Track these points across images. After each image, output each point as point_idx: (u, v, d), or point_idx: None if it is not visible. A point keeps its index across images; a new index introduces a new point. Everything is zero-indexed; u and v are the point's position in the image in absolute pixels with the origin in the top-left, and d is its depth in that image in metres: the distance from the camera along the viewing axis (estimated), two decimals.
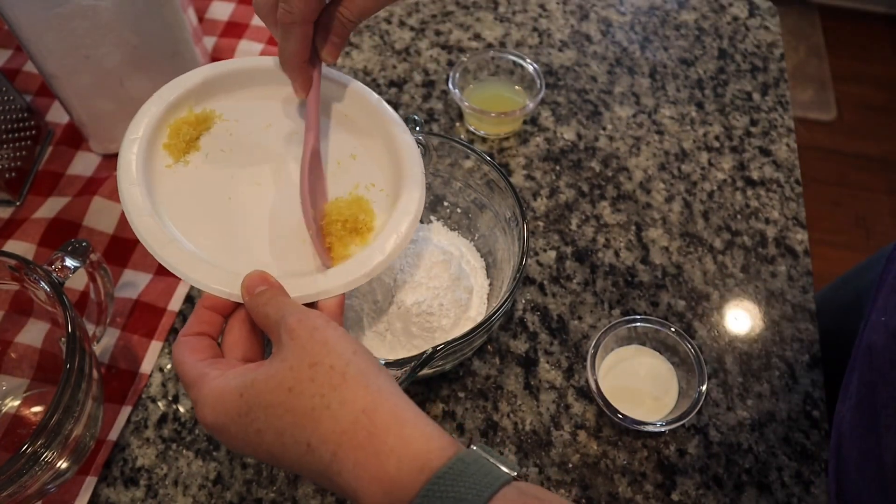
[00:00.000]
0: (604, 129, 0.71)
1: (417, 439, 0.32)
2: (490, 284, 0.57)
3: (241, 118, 0.48)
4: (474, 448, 0.33)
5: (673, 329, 0.54)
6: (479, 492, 0.30)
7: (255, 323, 0.40)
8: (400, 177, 0.47)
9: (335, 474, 0.33)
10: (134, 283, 0.60)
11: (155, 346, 0.57)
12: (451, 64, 0.76)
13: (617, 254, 0.63)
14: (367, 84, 0.74)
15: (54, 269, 0.48)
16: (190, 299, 0.59)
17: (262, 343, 0.41)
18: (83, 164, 0.67)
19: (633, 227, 0.65)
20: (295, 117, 0.49)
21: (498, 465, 0.32)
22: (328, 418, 0.33)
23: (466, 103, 0.66)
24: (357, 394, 0.33)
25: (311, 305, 0.41)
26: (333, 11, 0.42)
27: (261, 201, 0.46)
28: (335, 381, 0.33)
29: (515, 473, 0.32)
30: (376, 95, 0.50)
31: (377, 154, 0.49)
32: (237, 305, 0.41)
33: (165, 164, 0.45)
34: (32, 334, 0.54)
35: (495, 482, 0.31)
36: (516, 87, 0.70)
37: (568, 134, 0.70)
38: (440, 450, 0.32)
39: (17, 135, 0.65)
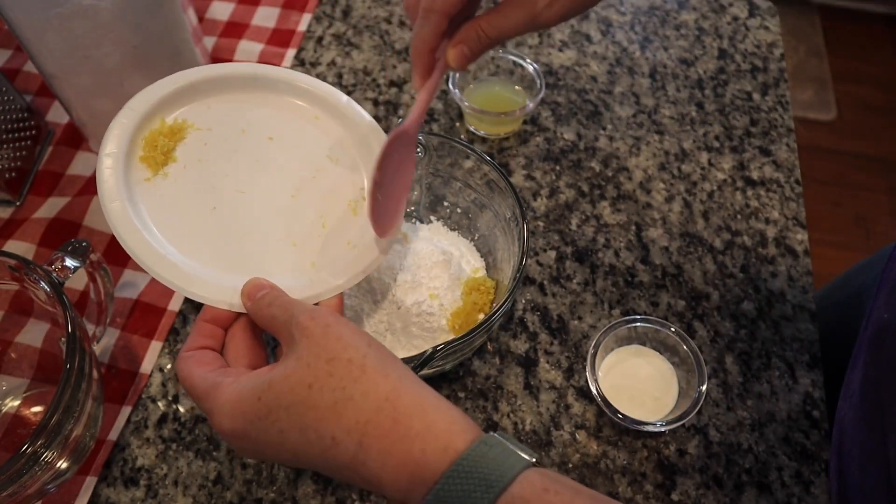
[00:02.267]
0: (604, 129, 0.71)
1: (441, 422, 0.33)
2: None
3: (214, 126, 0.48)
4: (494, 434, 0.33)
5: (673, 329, 0.54)
6: (503, 473, 0.31)
7: (261, 327, 0.40)
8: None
9: (360, 464, 0.33)
10: (134, 283, 0.60)
11: (155, 346, 0.57)
12: None
13: (617, 254, 0.63)
14: (367, 84, 0.74)
15: (54, 269, 0.48)
16: (190, 299, 0.59)
17: (265, 349, 0.41)
18: (83, 164, 0.67)
19: (633, 227, 0.65)
20: (267, 123, 0.49)
21: (517, 450, 0.32)
22: (352, 409, 0.33)
23: (466, 103, 0.66)
24: (378, 383, 0.33)
25: None
26: (476, 22, 0.43)
27: (246, 209, 0.46)
28: (355, 373, 0.34)
29: (535, 459, 0.32)
30: (345, 96, 0.50)
31: (353, 154, 0.49)
32: (237, 315, 0.41)
33: (144, 177, 0.45)
34: (32, 334, 0.54)
35: (518, 464, 0.31)
36: (516, 87, 0.70)
37: (568, 134, 0.71)
38: (463, 432, 0.33)
39: (17, 135, 0.65)
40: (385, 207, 0.45)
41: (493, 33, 0.42)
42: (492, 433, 0.33)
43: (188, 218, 0.44)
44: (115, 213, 0.42)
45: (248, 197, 0.46)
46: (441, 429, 0.33)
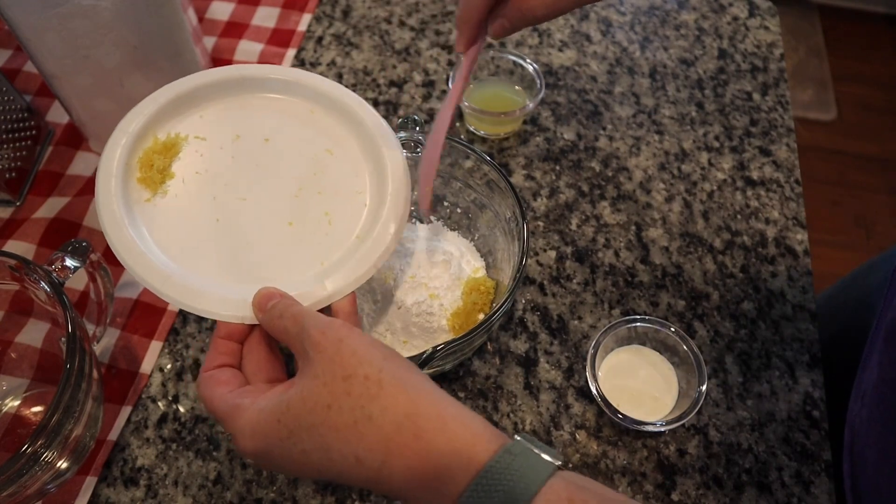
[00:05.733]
0: (604, 129, 0.71)
1: (463, 434, 0.33)
2: None
3: (208, 135, 0.48)
4: (518, 438, 0.33)
5: (673, 329, 0.54)
6: (528, 484, 0.31)
7: (275, 339, 0.40)
8: (382, 167, 0.47)
9: (385, 480, 0.33)
10: (134, 283, 0.60)
11: (155, 346, 0.57)
12: (451, 64, 0.76)
13: (617, 254, 0.63)
14: (368, 84, 0.74)
15: (54, 269, 0.48)
16: None
17: (283, 361, 0.41)
18: (83, 164, 0.67)
19: (633, 227, 0.65)
20: (261, 124, 0.49)
21: (542, 454, 0.32)
22: (372, 428, 0.33)
23: (466, 103, 0.66)
24: (397, 399, 0.33)
25: (325, 310, 0.41)
26: (522, 2, 0.45)
27: (249, 216, 0.45)
28: (372, 390, 0.33)
29: (560, 462, 0.32)
30: (334, 83, 0.50)
31: (352, 143, 0.49)
32: (251, 328, 0.41)
33: (144, 198, 0.45)
34: (32, 334, 0.54)
35: (543, 472, 0.31)
36: (516, 87, 0.70)
37: (568, 134, 0.71)
38: (486, 443, 0.32)
39: (17, 135, 0.65)
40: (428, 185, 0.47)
41: (539, 13, 0.45)
42: (516, 438, 0.33)
43: (192, 233, 0.44)
44: (119, 241, 0.42)
45: (251, 203, 0.46)
46: (464, 441, 0.32)
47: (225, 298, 0.41)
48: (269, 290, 0.40)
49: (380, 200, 0.46)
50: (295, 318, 0.37)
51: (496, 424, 0.54)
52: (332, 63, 0.75)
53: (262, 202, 0.46)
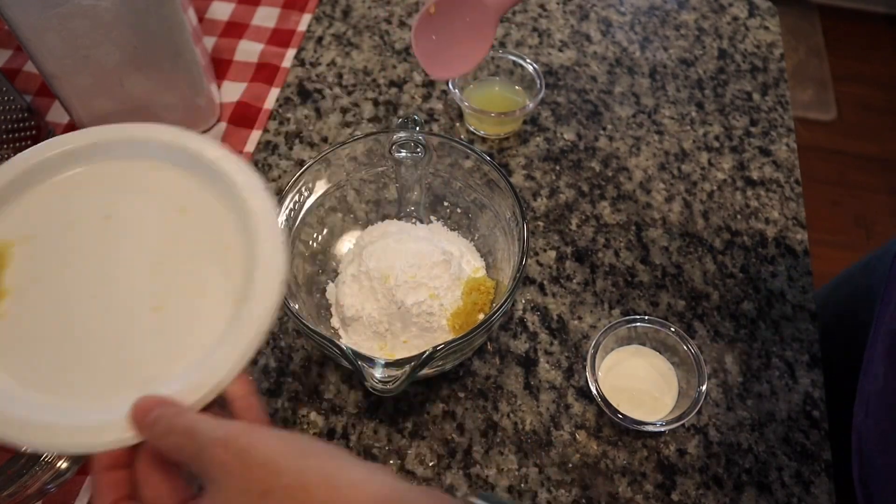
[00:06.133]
0: (604, 129, 0.71)
1: None
2: None
3: (37, 231, 0.40)
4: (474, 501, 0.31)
5: (673, 329, 0.54)
6: None
7: (168, 456, 0.33)
8: (246, 213, 0.40)
9: None
10: None
11: None
12: None
13: (617, 254, 0.63)
14: (367, 84, 0.74)
15: None
16: None
17: (181, 477, 0.34)
18: None
19: (633, 227, 0.65)
20: (96, 201, 0.41)
21: None
22: None
23: (466, 103, 0.66)
24: (330, 500, 0.29)
25: (212, 403, 0.35)
26: None
27: (106, 314, 0.38)
28: (298, 498, 0.29)
29: None
30: (170, 128, 0.42)
31: (204, 190, 0.42)
32: (136, 447, 0.34)
33: None
34: None
35: None
36: (516, 87, 0.70)
37: (568, 134, 0.71)
38: None
39: (17, 135, 0.65)
40: (439, 52, 0.41)
41: None
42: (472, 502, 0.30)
43: (46, 357, 0.37)
44: None
45: (105, 299, 0.38)
46: None
47: (99, 423, 0.34)
48: (146, 400, 0.33)
49: (251, 253, 0.39)
50: (186, 431, 0.31)
51: (496, 424, 0.54)
52: (332, 63, 0.75)
53: (117, 293, 0.39)
